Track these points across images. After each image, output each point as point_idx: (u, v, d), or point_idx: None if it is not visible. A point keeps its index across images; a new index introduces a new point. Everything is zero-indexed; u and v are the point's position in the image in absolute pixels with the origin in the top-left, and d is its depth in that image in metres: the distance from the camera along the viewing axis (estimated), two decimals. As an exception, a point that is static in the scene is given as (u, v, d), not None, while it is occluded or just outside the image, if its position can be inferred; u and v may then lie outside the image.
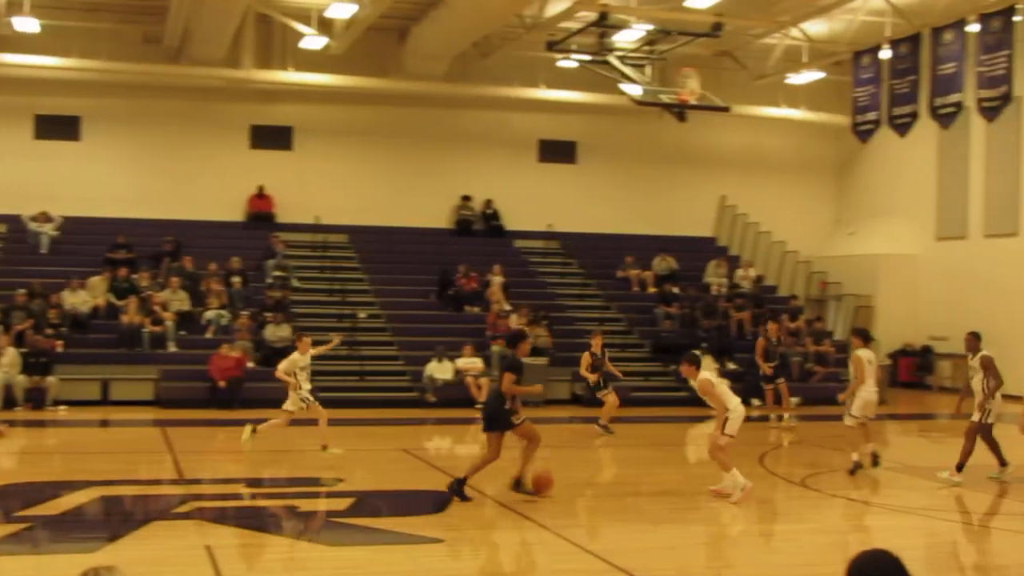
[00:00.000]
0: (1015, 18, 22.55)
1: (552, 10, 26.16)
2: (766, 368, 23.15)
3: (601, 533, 12.40)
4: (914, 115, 24.88)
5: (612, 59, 25.39)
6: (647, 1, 25.41)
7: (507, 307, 27.93)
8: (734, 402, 14.95)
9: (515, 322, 27.03)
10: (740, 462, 16.53)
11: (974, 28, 23.38)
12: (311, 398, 17.44)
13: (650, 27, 25.56)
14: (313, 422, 17.56)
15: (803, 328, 29.34)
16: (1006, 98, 22.75)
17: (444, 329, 27.20)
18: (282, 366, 17.46)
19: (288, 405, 17.43)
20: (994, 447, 16.35)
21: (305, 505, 13.93)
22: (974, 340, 16.86)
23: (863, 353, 16.83)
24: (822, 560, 11.42)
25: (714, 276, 31.44)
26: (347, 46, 27.58)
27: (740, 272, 31.73)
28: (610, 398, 21.32)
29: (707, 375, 14.98)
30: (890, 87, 25.57)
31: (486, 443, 14.13)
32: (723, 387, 15.10)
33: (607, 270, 31.24)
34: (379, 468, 17.19)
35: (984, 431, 16.34)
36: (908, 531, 13.19)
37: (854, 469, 16.48)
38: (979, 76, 23.10)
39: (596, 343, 21.40)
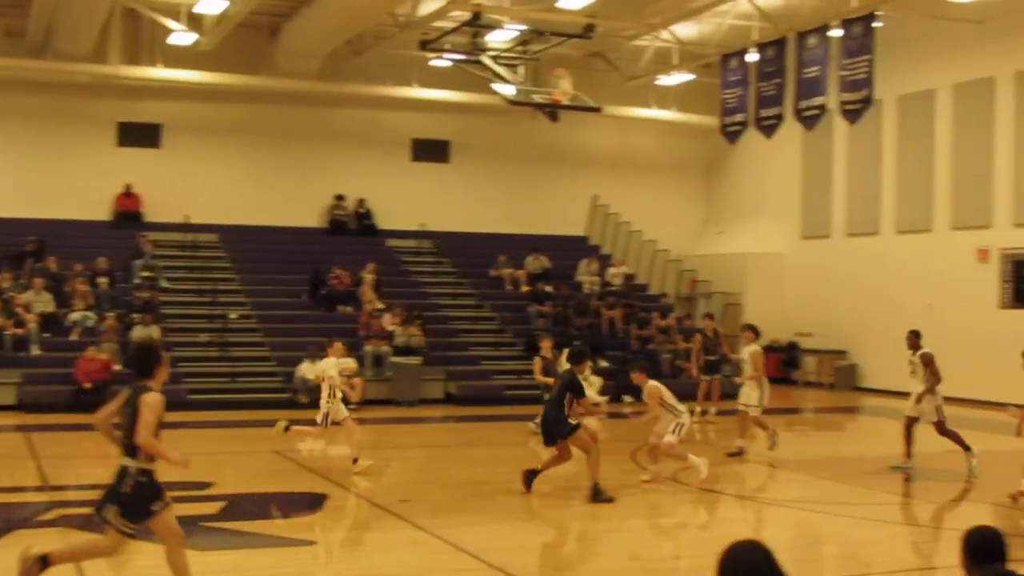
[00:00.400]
0: (875, 24, 23.12)
1: (425, 9, 26.14)
2: (701, 362, 23.86)
3: (476, 531, 12.44)
4: (780, 117, 25.36)
5: (485, 59, 25.44)
6: (520, 1, 25.53)
7: (380, 306, 27.85)
8: (683, 407, 15.50)
9: (388, 322, 26.97)
10: (614, 458, 16.74)
11: (837, 33, 23.92)
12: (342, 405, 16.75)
13: (523, 27, 25.68)
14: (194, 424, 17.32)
15: (673, 326, 29.76)
16: (867, 101, 23.32)
17: (316, 329, 26.95)
18: (333, 373, 16.57)
19: (324, 409, 16.58)
20: (909, 440, 16.88)
21: (175, 510, 13.71)
22: (914, 338, 17.39)
23: (758, 347, 17.56)
24: (693, 553, 11.62)
25: (586, 274, 31.72)
26: (217, 42, 27.21)
27: (612, 270, 32.07)
28: None
29: (656, 383, 15.33)
30: (757, 89, 26.04)
31: (555, 450, 14.70)
32: (670, 395, 15.33)
33: (480, 269, 31.32)
34: (250, 470, 17.02)
35: (909, 423, 17.02)
36: (777, 523, 13.50)
37: (738, 452, 17.06)
38: (842, 80, 23.64)
39: (547, 346, 21.36)
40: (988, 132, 26.94)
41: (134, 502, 8.26)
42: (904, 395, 26.48)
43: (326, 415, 16.39)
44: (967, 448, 16.60)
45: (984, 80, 26.98)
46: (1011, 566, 5.70)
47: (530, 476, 14.62)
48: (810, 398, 28.87)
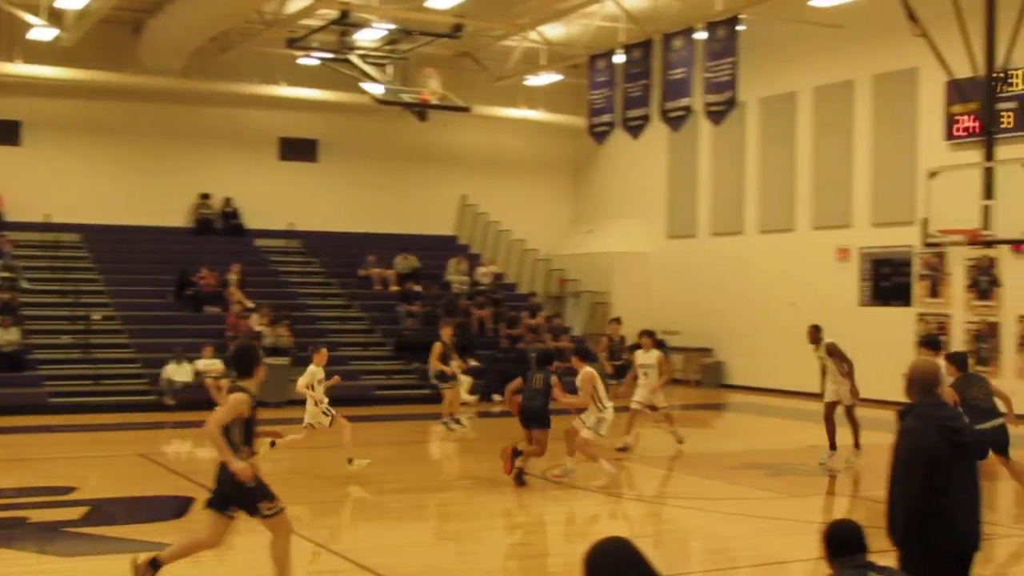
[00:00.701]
0: (739, 27, 23.55)
1: (293, 7, 25.93)
2: (608, 366, 24.15)
3: (345, 532, 12.42)
4: (646, 118, 25.68)
5: (353, 57, 25.36)
6: (388, 0, 25.48)
7: (250, 305, 27.55)
8: (610, 404, 15.61)
9: (256, 322, 26.70)
10: (486, 456, 16.81)
11: (701, 36, 24.30)
12: (332, 411, 16.76)
13: (391, 27, 25.64)
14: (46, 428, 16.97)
15: (542, 325, 29.94)
16: (731, 103, 23.72)
17: (183, 330, 26.64)
18: (301, 380, 16.70)
19: (309, 419, 16.70)
20: (832, 430, 17.30)
21: (36, 516, 13.44)
22: (815, 332, 17.72)
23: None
24: (563, 550, 11.73)
25: (455, 274, 31.76)
26: (79, 38, 26.67)
27: (481, 270, 32.16)
28: (449, 392, 21.64)
29: (592, 371, 15.68)
30: (624, 90, 26.33)
31: (530, 439, 15.07)
32: (603, 388, 15.57)
33: (349, 269, 31.16)
34: (115, 474, 16.71)
35: (829, 410, 17.35)
36: (645, 519, 13.68)
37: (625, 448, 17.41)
38: (706, 82, 24.02)
39: (447, 332, 21.69)
40: (847, 134, 27.61)
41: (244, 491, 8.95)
42: (769, 391, 27.07)
43: (326, 411, 16.68)
44: (857, 445, 17.00)
45: (843, 83, 27.64)
46: (872, 557, 5.87)
47: (516, 455, 15.16)
48: (677, 395, 29.29)
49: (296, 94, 31.16)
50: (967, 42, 18.41)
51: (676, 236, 32.90)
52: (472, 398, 26.23)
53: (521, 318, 29.67)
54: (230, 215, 31.85)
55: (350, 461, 16.52)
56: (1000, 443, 13.88)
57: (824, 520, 6.30)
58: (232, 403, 8.79)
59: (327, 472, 17.06)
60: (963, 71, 19.04)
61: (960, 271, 24.12)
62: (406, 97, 25.03)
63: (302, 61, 28.86)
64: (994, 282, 22.95)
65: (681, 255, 32.52)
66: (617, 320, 25.65)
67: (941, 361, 15.52)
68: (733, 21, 23.47)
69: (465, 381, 26.66)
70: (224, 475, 8.89)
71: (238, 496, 8.97)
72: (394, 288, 30.65)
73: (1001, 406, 14.08)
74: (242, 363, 9.17)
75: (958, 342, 23.50)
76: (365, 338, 28.76)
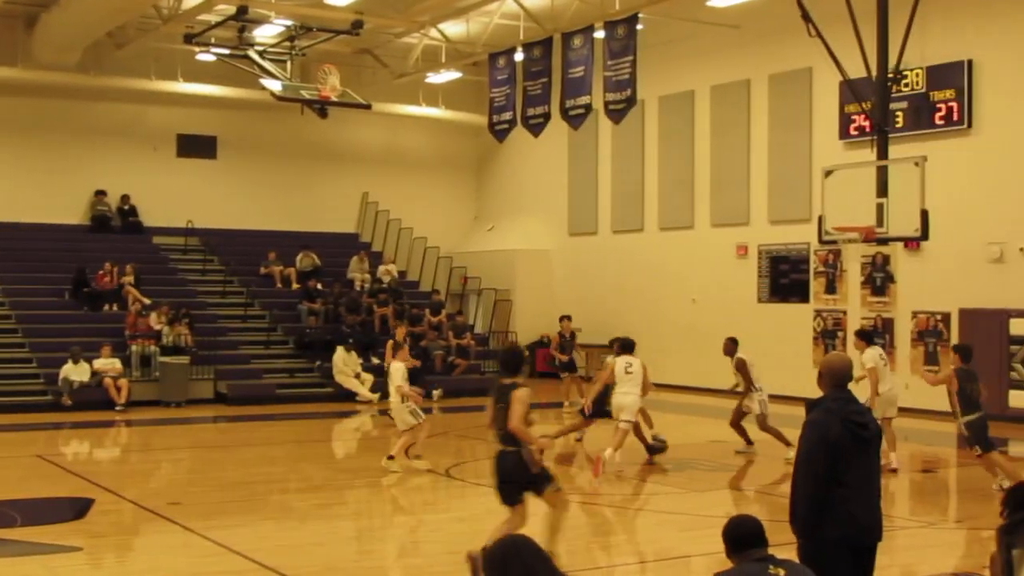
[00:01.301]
0: (638, 26, 23.73)
1: (190, 2, 25.63)
2: (561, 357, 24.94)
3: (248, 532, 12.33)
4: (546, 116, 25.74)
5: (252, 54, 25.11)
6: (287, -3, 25.32)
7: (147, 302, 27.19)
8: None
9: (155, 321, 26.39)
10: (386, 454, 16.79)
11: (601, 34, 24.45)
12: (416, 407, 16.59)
13: (290, 23, 25.45)
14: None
15: (445, 322, 29.95)
16: (630, 101, 23.88)
17: (80, 329, 26.24)
18: (399, 379, 16.42)
19: (409, 419, 16.42)
20: (743, 431, 18.04)
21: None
22: (731, 344, 18.03)
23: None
24: (465, 547, 11.76)
25: (357, 272, 31.64)
26: (-31, 33, 26.14)
27: (383, 268, 32.07)
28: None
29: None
30: (524, 88, 26.38)
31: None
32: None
33: (249, 267, 30.88)
34: (12, 476, 16.41)
35: (737, 416, 18.08)
36: (544, 514, 13.73)
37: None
38: (606, 80, 24.15)
39: (401, 332, 21.88)
40: (745, 133, 27.96)
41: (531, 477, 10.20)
42: (669, 387, 27.34)
43: (413, 412, 16.41)
44: (787, 443, 17.25)
45: (740, 82, 27.99)
46: (772, 550, 5.98)
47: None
48: (576, 391, 29.46)
49: (194, 90, 30.81)
50: (860, 43, 18.73)
51: (577, 233, 33.08)
52: (374, 396, 26.19)
53: (423, 316, 29.64)
54: (128, 213, 31.40)
55: (418, 457, 16.65)
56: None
57: (725, 515, 6.44)
58: (523, 399, 9.96)
59: (229, 472, 16.93)
60: (857, 71, 19.38)
61: (855, 268, 24.57)
62: (306, 94, 24.83)
63: (200, 57, 28.51)
64: (888, 278, 23.42)
65: (582, 252, 32.72)
66: (568, 317, 25.90)
67: (875, 352, 16.47)
68: (632, 20, 23.64)
69: (367, 379, 26.64)
70: (511, 466, 10.15)
71: (530, 480, 10.22)
72: (295, 286, 30.45)
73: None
74: (512, 363, 10.53)
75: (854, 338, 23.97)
76: (266, 336, 28.54)
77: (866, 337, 17.23)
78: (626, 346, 17.62)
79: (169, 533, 12.29)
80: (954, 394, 14.89)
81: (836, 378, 7.21)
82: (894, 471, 16.23)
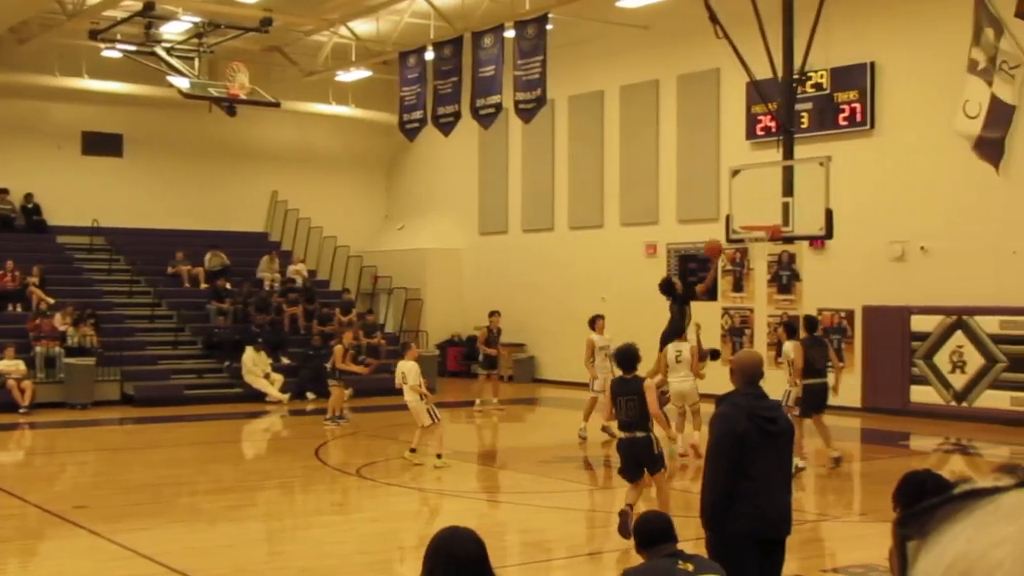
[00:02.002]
0: (548, 26, 23.84)
1: (95, -2, 25.29)
2: (489, 352, 24.86)
3: (156, 535, 12.20)
4: (457, 115, 25.77)
5: (159, 51, 24.85)
6: (195, -7, 25.06)
7: (52, 302, 26.75)
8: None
9: (60, 321, 25.98)
10: (299, 456, 16.71)
11: (511, 34, 24.53)
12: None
13: (198, 20, 25.22)
14: None
15: (355, 321, 29.82)
16: (540, 101, 23.99)
17: (-18, 330, 25.78)
18: (413, 378, 16.64)
19: (427, 418, 16.64)
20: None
21: None
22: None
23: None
24: (376, 548, 11.77)
25: (267, 271, 31.41)
26: None
27: (293, 267, 31.87)
28: (337, 391, 21.78)
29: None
30: (434, 87, 26.38)
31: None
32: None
33: (157, 266, 30.50)
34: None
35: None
36: (460, 514, 13.77)
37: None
38: (516, 79, 24.23)
39: (348, 336, 22.47)
40: (654, 133, 28.20)
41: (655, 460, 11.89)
42: (580, 385, 27.47)
43: (430, 411, 16.64)
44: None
45: (649, 83, 28.23)
46: (682, 546, 6.06)
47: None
48: (490, 390, 29.51)
49: (100, 87, 30.37)
50: (767, 45, 18.99)
51: (488, 232, 33.13)
52: (284, 396, 26.04)
53: (334, 315, 29.50)
54: (31, 211, 30.88)
55: (439, 456, 16.76)
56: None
57: (636, 511, 6.52)
58: (652, 389, 11.78)
59: (136, 474, 16.73)
60: (763, 73, 19.63)
61: (762, 266, 24.89)
62: (214, 91, 24.63)
63: (106, 53, 28.10)
64: (794, 276, 23.75)
65: (493, 251, 32.78)
66: (496, 313, 25.75)
67: (794, 344, 16.85)
68: (542, 20, 23.75)
69: (277, 379, 26.48)
70: (643, 449, 11.71)
71: (652, 461, 11.85)
72: (204, 286, 30.15)
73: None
74: (631, 360, 11.81)
75: (761, 334, 24.28)
76: (174, 337, 28.22)
77: (788, 329, 17.75)
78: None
79: (75, 537, 12.13)
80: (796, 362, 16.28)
81: (746, 374, 7.35)
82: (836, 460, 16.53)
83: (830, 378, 16.80)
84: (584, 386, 27.78)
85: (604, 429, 18.16)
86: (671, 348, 17.64)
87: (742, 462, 7.03)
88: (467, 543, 4.80)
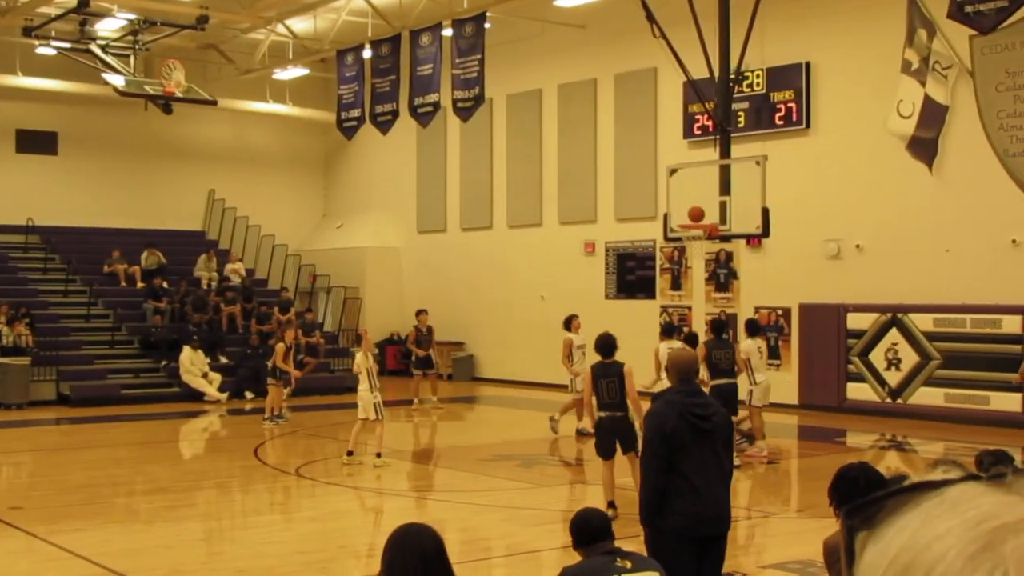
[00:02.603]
0: (486, 25, 23.88)
1: (29, -6, 25.01)
2: (418, 352, 24.78)
3: (93, 536, 12.11)
4: (395, 113, 25.75)
5: (94, 48, 24.65)
6: (130, -10, 24.84)
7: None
8: None
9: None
10: (237, 455, 16.63)
11: (449, 32, 24.55)
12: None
13: (134, 17, 25.02)
14: None
15: (294, 320, 29.68)
16: (479, 99, 24.02)
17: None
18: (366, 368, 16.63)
19: (372, 412, 16.53)
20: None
21: None
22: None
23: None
24: (316, 547, 11.74)
25: (204, 270, 31.20)
26: None
27: (230, 266, 31.67)
28: (275, 390, 21.61)
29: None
30: (372, 85, 26.34)
31: None
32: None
33: (93, 265, 30.20)
34: None
35: None
36: (398, 512, 13.77)
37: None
38: (454, 78, 24.26)
39: (289, 336, 22.12)
40: (591, 131, 28.31)
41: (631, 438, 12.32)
42: (519, 383, 27.54)
43: (377, 405, 16.53)
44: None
45: (587, 81, 28.33)
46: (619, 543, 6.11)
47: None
48: (428, 388, 29.54)
49: (34, 84, 30.00)
50: (703, 44, 19.13)
51: (426, 231, 33.11)
52: (222, 396, 25.90)
53: (272, 314, 29.37)
54: (-37, 210, 30.50)
55: (378, 455, 16.64)
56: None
57: (574, 509, 6.58)
58: (632, 374, 12.67)
59: (72, 474, 16.58)
60: (700, 72, 19.77)
61: (700, 264, 25.05)
62: (149, 89, 24.46)
63: (40, 50, 27.81)
64: (732, 275, 23.95)
65: (432, 250, 32.76)
66: (424, 312, 25.57)
67: (753, 343, 17.60)
68: (480, 18, 23.79)
69: (215, 378, 26.33)
70: (622, 427, 12.60)
71: (625, 437, 12.56)
72: (140, 285, 29.90)
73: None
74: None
75: (699, 332, 24.45)
76: (111, 336, 27.95)
77: (749, 327, 18.34)
78: (668, 331, 19.10)
79: (10, 538, 12.01)
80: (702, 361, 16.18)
81: (680, 372, 7.53)
82: (766, 460, 16.75)
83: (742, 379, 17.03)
84: (522, 384, 27.90)
85: (579, 431, 18.29)
86: (663, 347, 17.77)
87: (673, 459, 7.10)
88: (425, 538, 4.90)
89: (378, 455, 16.62)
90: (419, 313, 25.55)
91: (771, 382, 18.22)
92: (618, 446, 12.70)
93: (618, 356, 12.90)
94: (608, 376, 12.69)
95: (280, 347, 21.68)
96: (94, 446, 19.80)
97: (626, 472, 12.56)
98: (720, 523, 7.36)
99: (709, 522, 7.25)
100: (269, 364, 22.05)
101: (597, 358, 13.12)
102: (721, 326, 17.45)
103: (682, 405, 7.22)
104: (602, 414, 12.86)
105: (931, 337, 21.74)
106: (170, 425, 22.99)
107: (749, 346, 17.24)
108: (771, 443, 17.90)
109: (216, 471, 17.27)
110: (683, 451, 7.11)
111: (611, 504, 12.37)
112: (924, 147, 21.39)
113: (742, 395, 17.05)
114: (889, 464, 17.75)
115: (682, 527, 7.13)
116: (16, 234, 30.64)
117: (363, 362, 16.83)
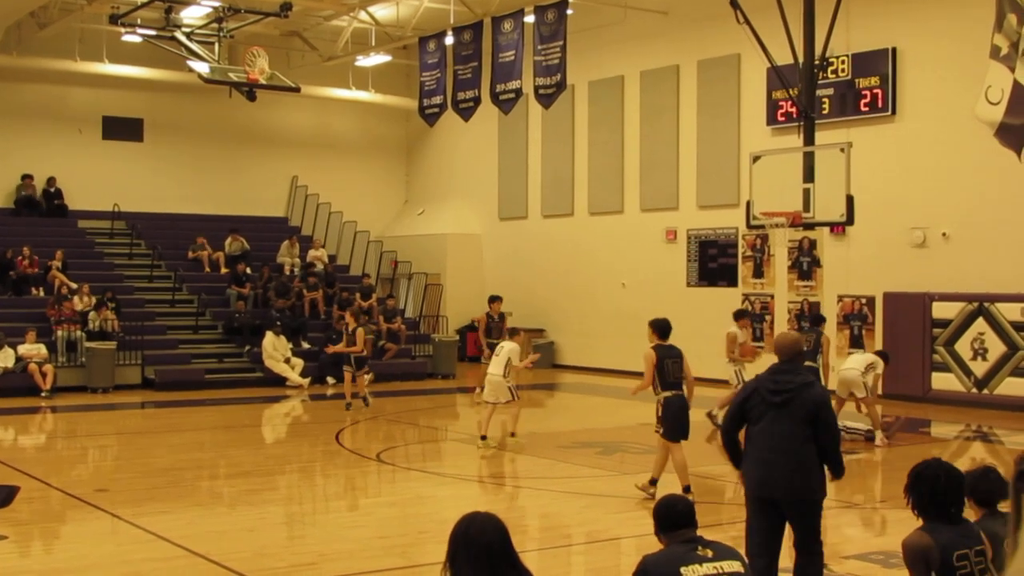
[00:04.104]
0: (568, 11, 23.80)
1: (115, -17, 25.33)
2: (489, 341, 23.99)
3: (177, 519, 12.25)
4: (477, 100, 25.76)
5: (179, 35, 24.89)
6: (215, -22, 25.07)
7: (74, 286, 26.85)
8: None
9: (79, 304, 26.08)
10: (320, 440, 16.73)
11: (531, 19, 24.50)
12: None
13: (218, 4, 25.24)
14: None
15: (375, 307, 29.86)
16: (560, 86, 23.97)
17: (4, 314, 25.87)
18: (516, 360, 17.18)
19: (505, 395, 17.06)
20: None
21: None
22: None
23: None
24: (396, 532, 11.80)
25: (287, 256, 31.46)
26: None
27: (313, 252, 31.90)
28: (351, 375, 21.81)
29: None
30: (454, 72, 26.39)
31: None
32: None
33: (177, 251, 30.59)
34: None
35: None
36: (480, 498, 13.81)
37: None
38: (536, 64, 24.22)
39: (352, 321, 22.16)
40: (673, 118, 28.13)
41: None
42: (599, 371, 27.45)
43: (511, 388, 17.08)
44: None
45: (669, 68, 28.15)
46: (701, 531, 6.06)
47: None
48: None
49: (120, 72, 30.44)
50: (787, 30, 18.93)
51: (507, 218, 33.13)
52: (304, 381, 26.10)
53: (354, 300, 29.53)
54: (53, 196, 31.00)
55: (513, 435, 17.49)
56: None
57: (657, 496, 6.55)
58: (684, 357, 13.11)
59: (157, 458, 16.80)
60: (784, 58, 19.58)
61: (782, 252, 24.80)
62: (233, 76, 24.65)
63: (126, 38, 28.15)
64: (815, 263, 23.69)
65: (512, 236, 32.78)
66: (498, 299, 24.93)
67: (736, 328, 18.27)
68: (562, 4, 23.71)
69: (297, 364, 26.55)
70: (682, 406, 12.94)
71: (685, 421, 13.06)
72: (224, 270, 30.22)
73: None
74: (668, 328, 13.16)
75: (781, 320, 24.21)
76: (194, 321, 28.29)
77: (737, 315, 19.12)
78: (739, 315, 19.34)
79: (96, 520, 12.19)
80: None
81: (780, 352, 8.25)
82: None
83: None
84: (604, 372, 27.83)
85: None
86: (736, 330, 18.69)
87: (744, 427, 8.09)
88: (490, 530, 4.87)
89: (512, 435, 17.33)
90: (492, 300, 24.80)
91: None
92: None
93: (698, 344, 13.18)
94: (675, 357, 13.04)
95: (360, 332, 21.69)
96: (178, 430, 20.05)
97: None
98: (782, 490, 7.90)
99: (765, 486, 7.93)
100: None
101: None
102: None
103: (761, 380, 8.08)
104: (668, 394, 13.00)
105: (1018, 327, 21.36)
106: (252, 410, 23.22)
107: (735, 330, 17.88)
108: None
109: (298, 455, 17.41)
110: (753, 421, 8.00)
111: (686, 489, 12.83)
112: (1013, 134, 20.93)
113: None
114: (974, 455, 17.49)
115: (748, 487, 8.08)
116: (103, 220, 31.11)
117: (515, 352, 17.20)
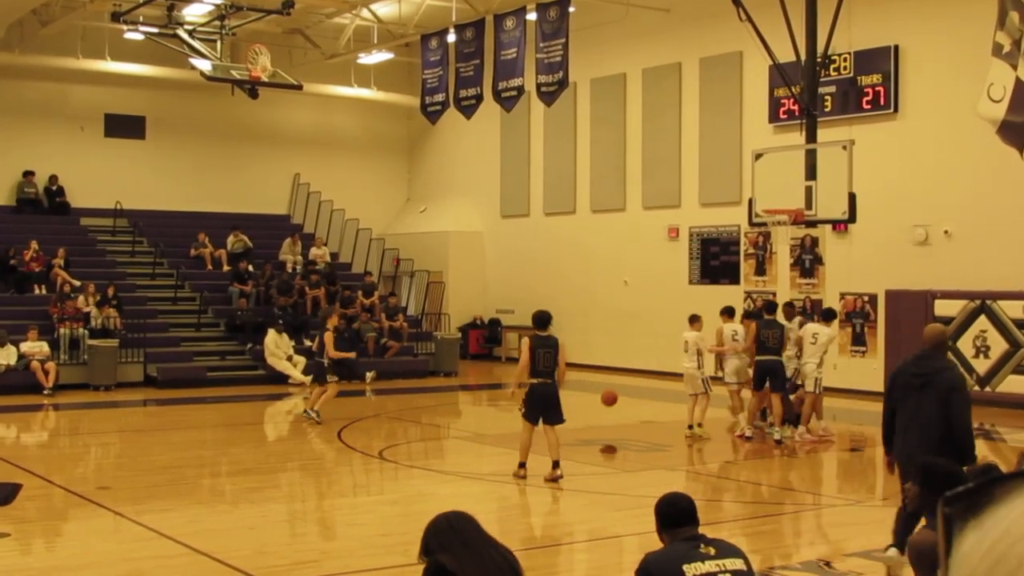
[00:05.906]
0: (570, 9, 23.77)
1: (117, -19, 25.32)
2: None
3: (179, 517, 12.25)
4: (479, 98, 25.73)
5: (181, 33, 24.89)
6: (217, -24, 25.05)
7: (77, 284, 26.86)
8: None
9: (83, 303, 26.10)
10: (319, 437, 16.74)
11: (533, 16, 24.47)
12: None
13: (220, 2, 25.23)
14: None
15: (377, 304, 29.87)
16: (562, 83, 23.93)
17: (6, 312, 25.87)
18: (706, 346, 18.01)
19: (700, 386, 17.80)
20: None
21: None
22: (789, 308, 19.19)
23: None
24: (398, 530, 11.79)
25: (289, 254, 31.46)
26: None
27: (315, 250, 31.90)
28: (333, 387, 20.03)
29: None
30: (456, 70, 26.35)
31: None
32: None
33: (179, 249, 30.58)
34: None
35: None
36: (481, 496, 13.81)
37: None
38: (538, 62, 24.17)
39: (333, 323, 20.91)
40: (675, 116, 28.12)
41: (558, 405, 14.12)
42: (601, 368, 27.46)
43: (705, 380, 17.79)
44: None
45: (671, 66, 28.13)
46: (703, 529, 6.06)
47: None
48: (511, 373, 29.56)
49: (122, 69, 30.43)
50: (790, 28, 18.93)
51: (509, 215, 33.12)
52: (306, 378, 26.09)
53: (356, 297, 29.55)
54: (55, 193, 31.00)
55: (700, 425, 17.96)
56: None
57: (657, 494, 6.52)
58: (564, 346, 13.89)
59: (159, 455, 16.80)
60: (786, 56, 19.57)
61: (785, 250, 24.81)
62: (236, 74, 24.65)
63: (128, 35, 28.14)
64: (817, 260, 23.69)
65: (514, 234, 32.78)
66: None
67: (738, 325, 18.34)
68: (564, 2, 23.68)
69: (299, 361, 26.54)
70: (547, 392, 13.97)
71: (554, 406, 14.05)
72: (226, 268, 30.22)
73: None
74: (546, 320, 14.17)
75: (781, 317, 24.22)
76: (197, 319, 28.29)
77: (727, 312, 18.96)
78: (729, 312, 19.02)
79: (99, 518, 12.19)
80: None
81: (927, 340, 9.78)
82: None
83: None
84: (605, 369, 27.83)
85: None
86: (726, 327, 18.43)
87: (892, 405, 9.63)
88: (451, 515, 5.08)
89: (699, 425, 17.80)
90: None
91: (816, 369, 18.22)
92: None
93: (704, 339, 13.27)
94: (546, 347, 14.01)
95: (328, 336, 19.66)
96: (180, 427, 20.06)
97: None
98: (912, 457, 8.97)
99: (902, 454, 9.37)
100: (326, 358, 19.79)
101: None
102: (772, 307, 18.42)
103: (906, 364, 9.71)
104: (534, 381, 13.97)
105: (1020, 324, 21.35)
106: (254, 407, 23.23)
107: (808, 330, 17.63)
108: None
109: (299, 453, 17.41)
110: (898, 400, 9.55)
111: (555, 464, 14.00)
112: (1015, 131, 20.91)
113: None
114: (976, 453, 17.45)
115: (896, 454, 9.55)
116: (105, 217, 31.12)
117: (700, 340, 17.81)
